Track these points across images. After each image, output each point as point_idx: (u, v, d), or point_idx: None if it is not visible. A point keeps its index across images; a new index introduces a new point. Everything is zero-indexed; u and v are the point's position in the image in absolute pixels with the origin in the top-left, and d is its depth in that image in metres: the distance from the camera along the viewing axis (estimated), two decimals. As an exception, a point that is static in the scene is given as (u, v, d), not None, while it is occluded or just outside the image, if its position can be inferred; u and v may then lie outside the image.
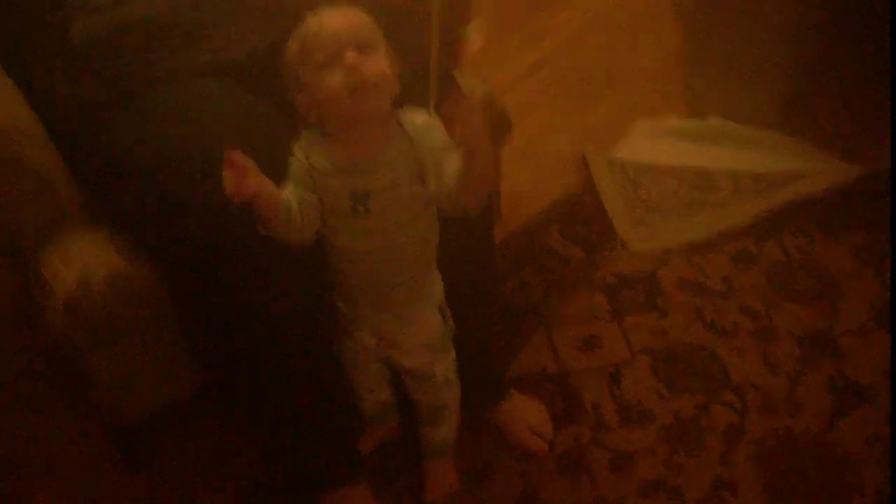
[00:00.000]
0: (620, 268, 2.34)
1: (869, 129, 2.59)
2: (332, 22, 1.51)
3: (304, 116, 1.55)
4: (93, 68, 1.77)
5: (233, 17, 1.80)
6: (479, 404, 1.99)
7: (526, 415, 2.02)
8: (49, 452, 1.99)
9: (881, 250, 2.30)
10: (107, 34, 1.76)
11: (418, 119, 1.57)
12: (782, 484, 1.88)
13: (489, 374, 2.02)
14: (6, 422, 2.00)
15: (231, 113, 1.66)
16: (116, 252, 1.67)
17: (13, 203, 1.68)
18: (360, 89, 1.47)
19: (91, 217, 1.77)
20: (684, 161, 2.62)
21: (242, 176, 1.43)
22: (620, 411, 2.03)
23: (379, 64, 1.50)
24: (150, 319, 1.70)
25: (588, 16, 3.39)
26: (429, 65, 1.68)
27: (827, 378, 2.06)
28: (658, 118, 2.80)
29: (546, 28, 3.33)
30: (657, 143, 2.70)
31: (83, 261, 1.66)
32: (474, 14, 2.21)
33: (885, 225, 2.33)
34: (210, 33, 1.79)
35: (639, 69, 3.07)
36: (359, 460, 1.87)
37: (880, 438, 1.94)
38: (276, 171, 1.56)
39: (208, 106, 1.68)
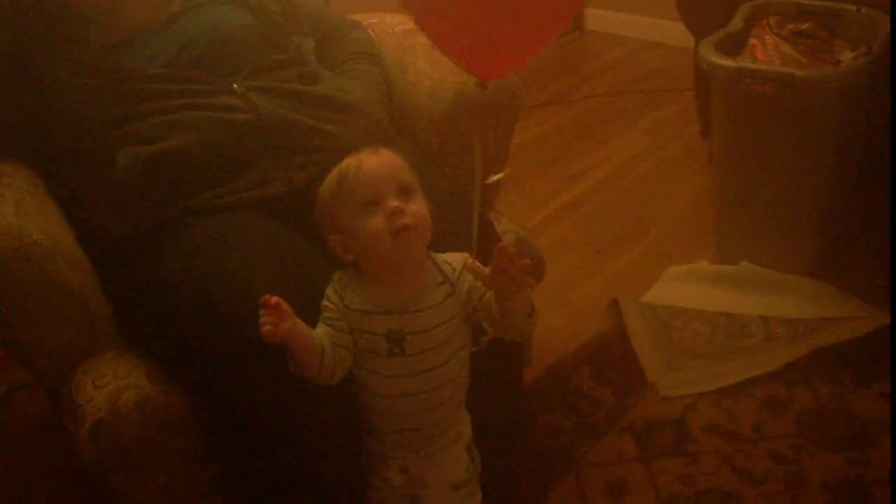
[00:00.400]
0: (649, 412, 2.33)
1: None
2: (373, 165, 1.55)
3: (338, 256, 1.58)
4: (135, 197, 1.82)
5: (274, 153, 1.86)
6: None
7: None
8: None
9: (914, 398, 2.29)
10: (151, 165, 1.82)
11: (451, 259, 1.60)
12: None
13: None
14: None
15: (268, 249, 1.69)
16: (147, 376, 1.69)
17: (49, 323, 1.71)
18: (403, 233, 1.51)
19: (124, 340, 1.81)
20: (716, 306, 2.63)
21: (278, 318, 1.46)
22: (648, 558, 2.01)
23: (419, 207, 1.54)
24: (179, 445, 1.71)
25: (622, 159, 3.46)
26: (471, 207, 1.71)
27: (859, 528, 2.03)
28: (690, 262, 2.83)
29: (580, 170, 3.40)
30: (689, 288, 2.72)
31: (115, 384, 1.67)
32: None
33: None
34: (251, 168, 1.84)
35: (671, 213, 3.11)
36: None
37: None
38: (312, 308, 1.59)
39: (247, 241, 1.72)
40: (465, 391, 1.67)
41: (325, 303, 1.58)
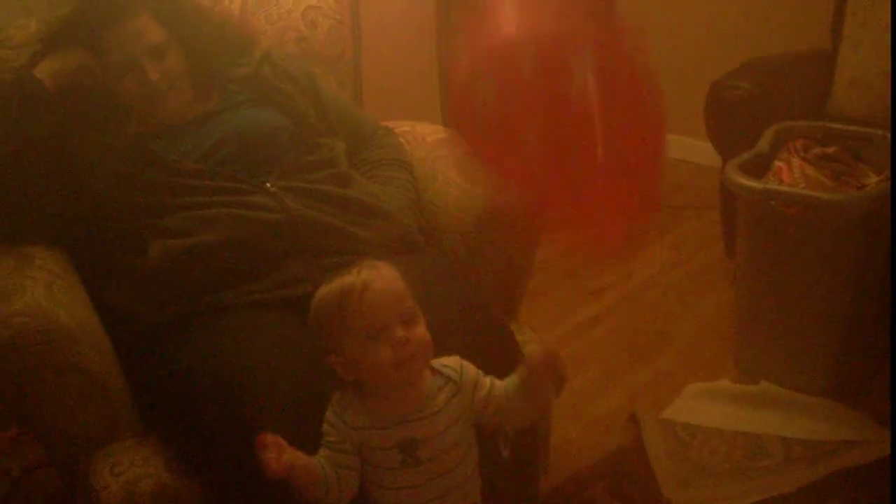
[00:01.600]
0: (665, 529, 2.32)
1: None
2: (377, 291, 1.52)
3: (339, 374, 1.56)
4: (163, 288, 1.85)
5: (303, 254, 1.88)
6: None
7: None
8: None
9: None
10: (181, 259, 1.85)
11: (449, 361, 1.61)
12: None
13: None
14: None
15: (291, 348, 1.71)
16: (165, 466, 1.70)
17: (70, 407, 1.73)
18: (409, 361, 1.51)
19: (144, 427, 1.82)
20: (735, 425, 2.62)
21: (278, 454, 1.45)
22: None
23: (423, 333, 1.53)
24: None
25: (645, 274, 3.47)
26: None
27: None
28: (710, 380, 2.82)
29: (603, 284, 3.41)
30: (708, 406, 2.71)
31: (132, 472, 1.69)
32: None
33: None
34: (280, 268, 1.87)
35: (692, 329, 3.11)
36: None
37: None
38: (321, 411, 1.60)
39: (270, 339, 1.74)
40: (478, 492, 1.66)
41: (325, 427, 1.56)
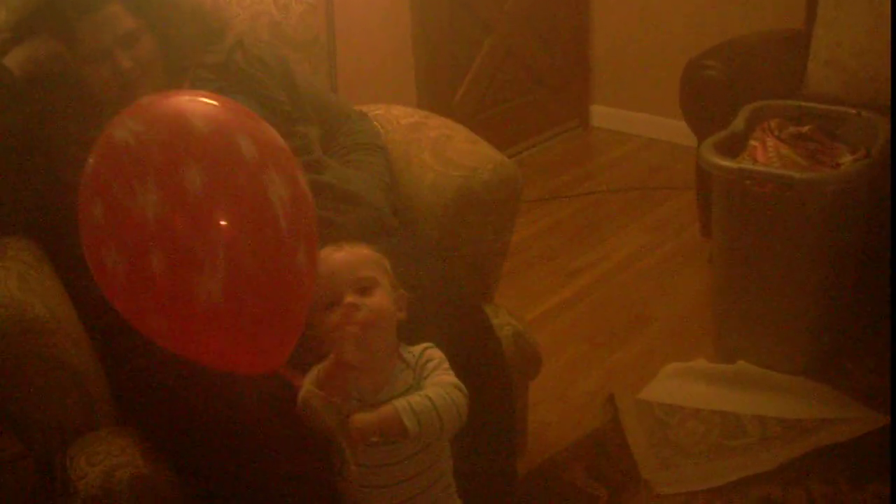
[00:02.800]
0: (644, 509, 2.32)
1: (897, 380, 2.60)
2: (331, 263, 1.57)
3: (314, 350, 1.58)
4: None
5: None
6: None
7: None
8: None
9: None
10: None
11: (415, 348, 1.62)
12: None
13: None
14: None
15: None
16: (142, 455, 1.70)
17: (46, 398, 1.72)
18: (362, 328, 1.52)
19: (121, 417, 1.81)
20: (712, 405, 2.63)
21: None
22: None
23: (379, 302, 1.55)
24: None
25: (621, 255, 3.49)
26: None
27: None
28: (688, 360, 2.83)
29: (581, 265, 3.42)
30: (685, 386, 2.72)
31: (109, 462, 1.68)
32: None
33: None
34: None
35: (669, 311, 3.12)
36: None
37: None
38: None
39: None
40: (449, 480, 1.67)
41: (304, 393, 1.56)
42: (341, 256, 1.59)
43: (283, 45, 2.37)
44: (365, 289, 1.56)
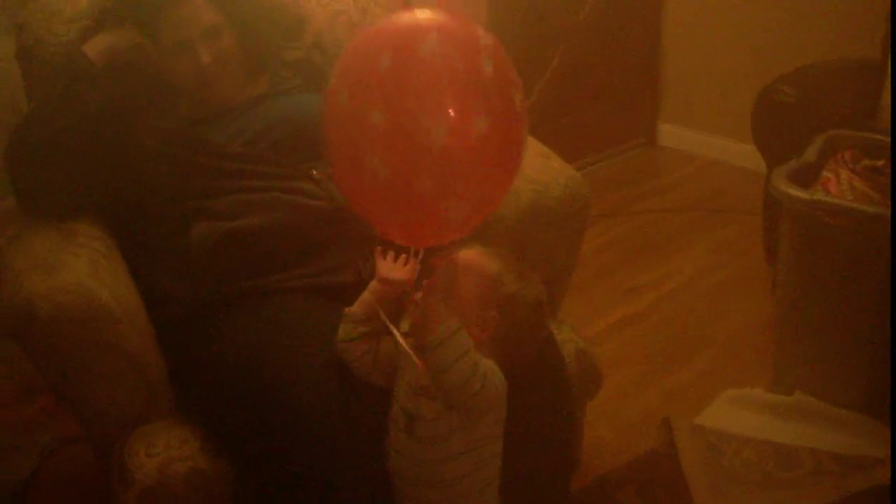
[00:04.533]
0: (694, 535, 2.30)
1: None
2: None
3: None
4: (206, 270, 1.86)
5: (345, 242, 1.88)
6: None
7: None
8: None
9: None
10: (224, 241, 1.85)
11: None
12: None
13: None
14: None
15: (329, 335, 1.70)
16: (200, 449, 1.72)
17: (108, 385, 1.75)
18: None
19: (180, 408, 1.82)
20: (767, 435, 2.60)
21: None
22: None
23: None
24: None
25: (684, 276, 3.45)
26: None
27: None
28: (744, 387, 2.80)
29: (641, 283, 3.40)
30: (742, 413, 2.69)
31: (166, 454, 1.70)
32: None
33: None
34: (322, 255, 1.88)
35: (729, 335, 3.09)
36: None
37: None
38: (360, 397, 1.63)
39: (308, 326, 1.75)
40: (493, 490, 1.66)
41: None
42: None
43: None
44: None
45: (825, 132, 2.81)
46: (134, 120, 1.99)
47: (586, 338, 2.34)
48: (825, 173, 2.63)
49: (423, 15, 1.49)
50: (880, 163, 2.62)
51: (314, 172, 1.94)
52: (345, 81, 1.46)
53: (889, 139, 2.75)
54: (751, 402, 2.72)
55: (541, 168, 2.18)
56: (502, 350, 1.61)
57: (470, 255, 1.64)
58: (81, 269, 1.76)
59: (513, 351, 1.64)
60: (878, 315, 2.57)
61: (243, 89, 2.08)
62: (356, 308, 1.64)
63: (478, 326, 1.59)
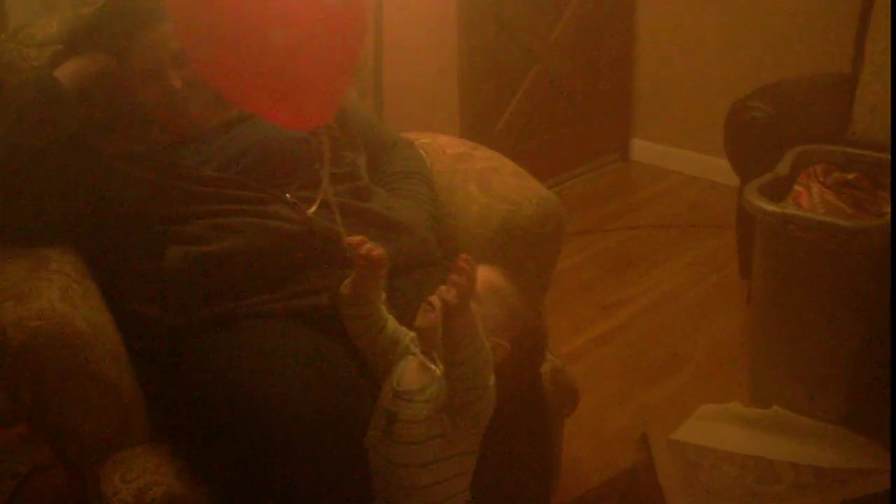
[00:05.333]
0: (674, 551, 2.30)
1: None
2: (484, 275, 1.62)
3: None
4: (180, 294, 1.85)
5: (321, 265, 1.88)
6: None
7: None
8: None
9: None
10: (198, 266, 1.84)
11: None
12: None
13: None
14: None
15: (307, 359, 1.71)
16: (176, 474, 1.70)
17: (83, 412, 1.73)
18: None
19: (156, 434, 1.81)
20: (746, 449, 2.60)
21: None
22: None
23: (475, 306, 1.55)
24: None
25: (658, 292, 3.47)
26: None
27: None
28: (722, 401, 2.81)
29: (617, 300, 3.41)
30: (720, 428, 2.69)
31: (143, 480, 1.69)
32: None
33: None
34: (298, 278, 1.87)
35: (705, 350, 3.10)
36: None
37: None
38: (348, 419, 1.63)
39: (287, 350, 1.73)
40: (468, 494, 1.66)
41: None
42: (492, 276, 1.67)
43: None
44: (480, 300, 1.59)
45: (797, 146, 2.84)
46: (105, 144, 1.98)
47: (563, 355, 2.36)
48: (797, 187, 2.65)
49: None
50: (851, 176, 2.65)
51: (288, 196, 1.94)
52: None
53: (860, 152, 2.78)
54: (728, 417, 2.73)
55: (514, 187, 2.19)
56: (500, 375, 1.60)
57: (494, 275, 1.65)
58: (54, 296, 1.75)
59: (509, 377, 1.63)
60: (852, 327, 2.59)
61: (214, 114, 2.07)
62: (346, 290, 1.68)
63: (493, 355, 1.58)
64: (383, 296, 1.68)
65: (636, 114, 4.65)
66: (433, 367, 1.61)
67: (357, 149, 2.17)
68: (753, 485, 2.49)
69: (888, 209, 2.57)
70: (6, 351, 1.65)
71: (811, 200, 2.58)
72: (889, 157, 2.73)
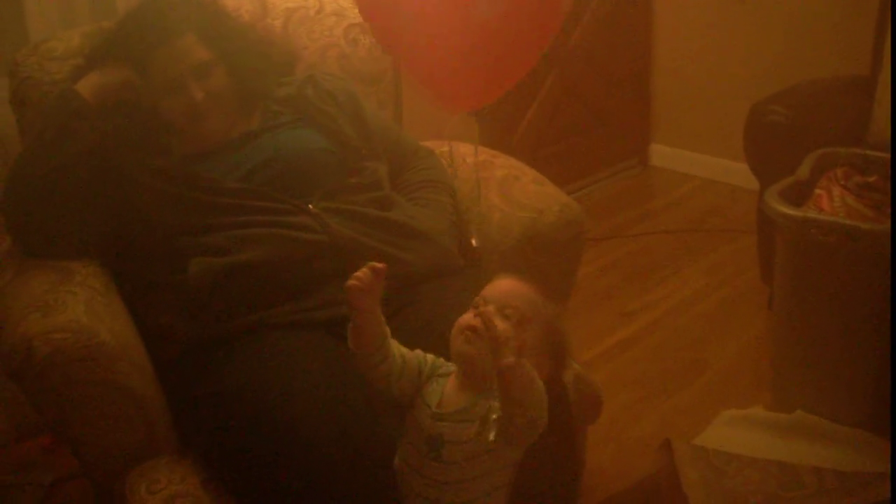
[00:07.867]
0: (698, 558, 2.30)
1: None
2: (497, 285, 1.62)
3: None
4: (204, 305, 1.86)
5: (344, 275, 1.88)
6: None
7: None
8: None
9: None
10: (222, 277, 1.85)
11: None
12: None
13: None
14: None
15: (331, 370, 1.72)
16: (201, 485, 1.71)
17: (108, 423, 1.74)
18: (468, 331, 1.54)
19: (181, 445, 1.82)
20: (769, 454, 2.59)
21: (368, 286, 1.54)
22: None
23: (504, 325, 1.53)
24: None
25: (678, 298, 3.46)
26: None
27: None
28: (745, 406, 2.80)
29: (635, 308, 3.40)
30: (742, 433, 2.68)
31: (168, 490, 1.69)
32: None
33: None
34: (320, 289, 1.87)
35: (726, 356, 3.09)
36: None
37: None
38: (369, 431, 1.62)
39: (310, 361, 1.74)
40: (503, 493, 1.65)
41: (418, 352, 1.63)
42: (506, 283, 1.63)
43: (351, 79, 2.39)
44: (506, 316, 1.56)
45: (817, 150, 2.83)
46: (127, 157, 1.99)
47: (584, 362, 2.35)
48: (818, 191, 2.64)
49: None
50: (872, 178, 2.63)
51: (310, 206, 1.95)
52: None
53: (880, 154, 2.77)
54: (751, 422, 2.72)
55: (535, 194, 2.19)
56: None
57: (530, 292, 1.63)
58: (79, 308, 1.76)
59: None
60: (875, 330, 2.58)
61: (235, 126, 2.09)
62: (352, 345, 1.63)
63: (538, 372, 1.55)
64: (387, 330, 1.62)
65: (655, 119, 4.64)
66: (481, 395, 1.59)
67: (378, 158, 2.18)
68: (777, 490, 2.48)
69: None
70: (32, 363, 1.67)
71: (832, 204, 2.57)
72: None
